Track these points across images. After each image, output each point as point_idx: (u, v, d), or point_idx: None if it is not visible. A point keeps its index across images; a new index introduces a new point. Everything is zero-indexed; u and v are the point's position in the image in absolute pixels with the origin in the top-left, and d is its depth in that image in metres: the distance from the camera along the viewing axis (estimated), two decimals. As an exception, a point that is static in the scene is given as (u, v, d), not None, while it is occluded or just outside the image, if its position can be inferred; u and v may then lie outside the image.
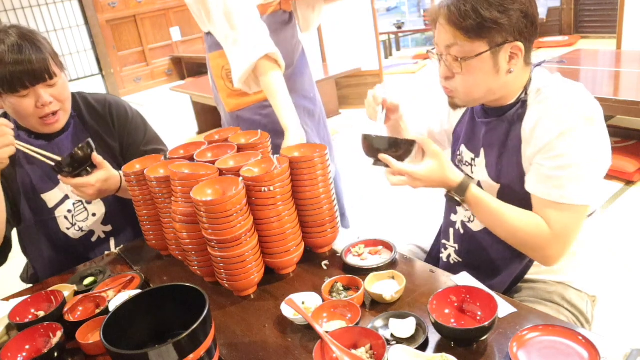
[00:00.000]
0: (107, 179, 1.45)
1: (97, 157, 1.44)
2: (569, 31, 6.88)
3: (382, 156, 1.18)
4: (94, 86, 7.39)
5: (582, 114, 1.08)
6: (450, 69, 1.17)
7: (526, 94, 1.18)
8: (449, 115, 1.45)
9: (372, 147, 1.21)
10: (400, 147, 1.18)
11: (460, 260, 1.36)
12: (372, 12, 4.96)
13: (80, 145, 1.41)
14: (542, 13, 6.84)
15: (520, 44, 1.11)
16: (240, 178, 1.17)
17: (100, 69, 7.61)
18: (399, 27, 7.72)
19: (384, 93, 1.32)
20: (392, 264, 1.23)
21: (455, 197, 1.18)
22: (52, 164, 1.40)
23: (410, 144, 1.18)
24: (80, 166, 1.41)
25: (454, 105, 1.26)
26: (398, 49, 8.22)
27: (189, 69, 8.19)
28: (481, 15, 1.08)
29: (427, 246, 1.56)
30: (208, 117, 5.50)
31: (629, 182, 3.09)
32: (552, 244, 1.13)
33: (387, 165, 1.19)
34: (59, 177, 1.42)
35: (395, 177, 1.18)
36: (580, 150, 1.08)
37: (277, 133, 1.74)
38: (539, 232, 1.13)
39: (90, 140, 1.43)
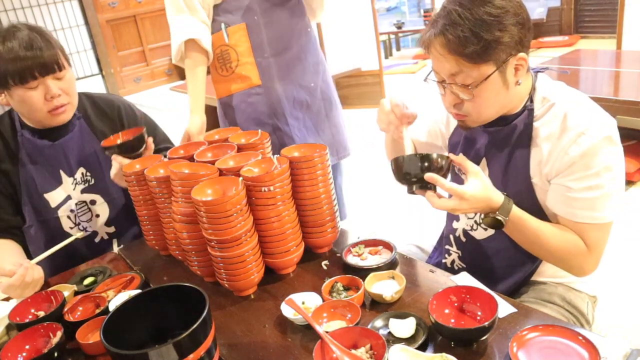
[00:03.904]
0: None
1: (151, 144, 1.55)
2: (569, 31, 6.88)
3: (431, 176, 1.06)
4: (94, 86, 7.37)
5: (602, 133, 1.07)
6: (458, 96, 1.12)
7: (531, 101, 1.16)
8: (448, 122, 1.39)
9: (408, 171, 1.07)
10: (440, 167, 1.07)
11: (465, 266, 1.35)
12: (372, 12, 4.96)
13: (133, 138, 1.51)
14: (542, 13, 6.83)
15: (523, 54, 1.08)
16: (240, 178, 1.17)
17: (100, 69, 7.59)
18: (399, 27, 7.71)
19: (401, 102, 1.20)
20: (392, 264, 1.23)
21: (499, 217, 1.09)
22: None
23: (448, 161, 1.09)
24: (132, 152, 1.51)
25: (465, 128, 1.21)
26: (398, 49, 8.22)
27: (189, 69, 8.17)
28: (483, 38, 1.02)
29: (427, 246, 1.55)
30: (208, 117, 5.45)
31: (630, 182, 3.09)
32: (588, 258, 1.13)
33: (429, 188, 1.09)
34: (113, 157, 1.50)
35: (440, 200, 1.08)
36: (605, 171, 1.07)
37: (259, 122, 1.95)
38: (577, 251, 1.12)
39: (144, 132, 1.52)
